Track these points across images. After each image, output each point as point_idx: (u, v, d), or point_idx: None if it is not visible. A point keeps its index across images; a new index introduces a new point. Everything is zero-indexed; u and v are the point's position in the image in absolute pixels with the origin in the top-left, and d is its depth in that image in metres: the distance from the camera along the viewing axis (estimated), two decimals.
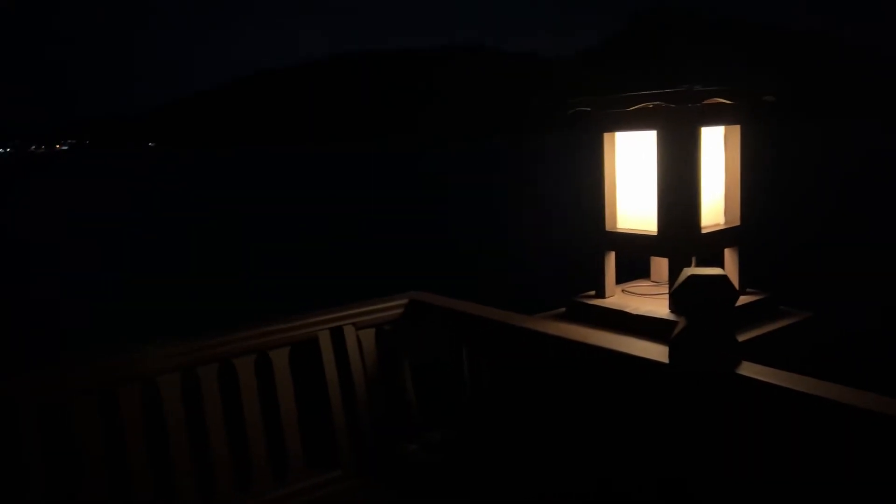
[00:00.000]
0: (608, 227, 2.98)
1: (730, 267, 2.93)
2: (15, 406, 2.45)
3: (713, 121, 2.78)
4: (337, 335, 3.08)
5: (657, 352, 2.29)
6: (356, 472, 3.00)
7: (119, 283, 17.00)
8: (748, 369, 2.07)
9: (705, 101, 2.68)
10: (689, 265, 2.69)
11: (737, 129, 2.88)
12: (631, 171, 2.96)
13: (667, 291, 2.97)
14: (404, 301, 3.24)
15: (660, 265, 3.20)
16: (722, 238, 2.88)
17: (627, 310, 2.85)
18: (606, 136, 2.95)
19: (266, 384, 2.92)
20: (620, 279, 3.14)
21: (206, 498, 2.72)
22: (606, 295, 3.03)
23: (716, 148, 2.89)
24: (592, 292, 3.06)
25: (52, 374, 2.58)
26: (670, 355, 2.20)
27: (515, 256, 17.33)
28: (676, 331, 2.19)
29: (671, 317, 2.71)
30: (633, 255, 2.98)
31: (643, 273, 3.29)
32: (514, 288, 12.39)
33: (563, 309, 3.08)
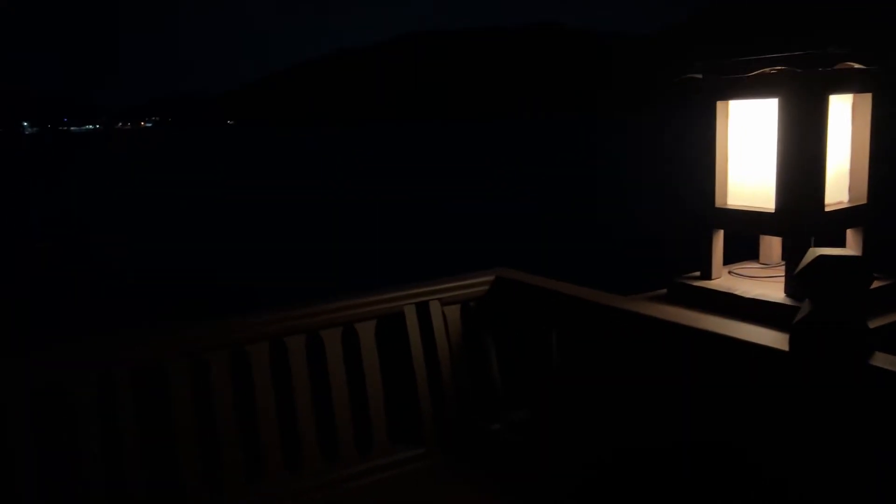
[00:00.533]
0: (718, 204, 2.77)
1: (852, 249, 2.69)
2: (109, 366, 2.48)
3: (843, 88, 2.53)
4: (422, 310, 3.03)
5: (774, 338, 2.10)
6: (439, 450, 2.94)
7: (222, 254, 17.67)
8: (882, 360, 1.87)
9: (836, 66, 2.44)
10: (807, 246, 2.47)
11: (867, 97, 2.62)
12: (745, 143, 2.73)
13: (779, 274, 2.76)
14: (491, 278, 3.14)
15: (770, 246, 2.97)
16: (846, 217, 2.64)
17: (737, 292, 2.64)
18: (719, 104, 2.73)
19: (351, 357, 2.89)
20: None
21: (293, 467, 2.72)
22: (713, 276, 2.82)
23: (842, 118, 2.64)
24: (696, 273, 2.86)
25: (142, 337, 2.60)
26: (792, 342, 2.01)
27: (609, 234, 16.87)
28: (800, 316, 1.99)
29: (788, 301, 2.50)
30: (744, 233, 2.77)
31: (740, 255, 3.08)
32: (608, 267, 12.13)
33: (664, 290, 2.89)
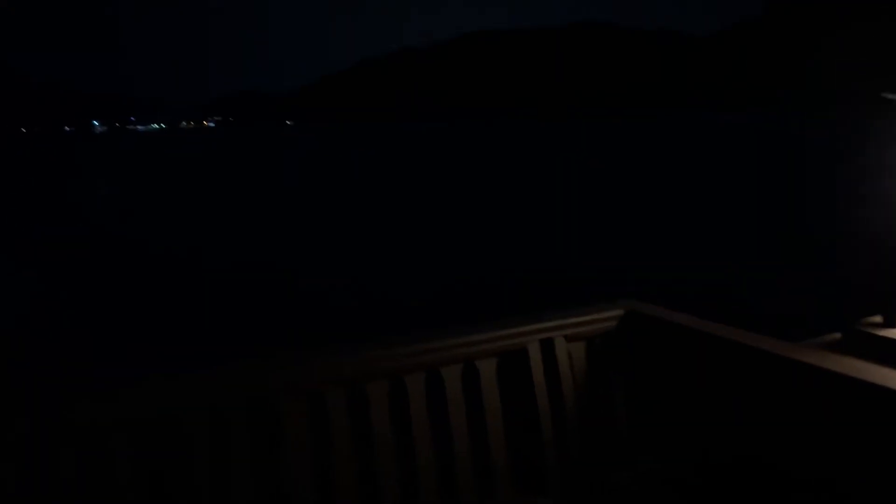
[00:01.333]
0: None
1: None
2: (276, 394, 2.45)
3: None
4: (547, 347, 2.80)
5: None
6: (563, 501, 2.72)
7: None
8: None
9: None
10: None
11: None
12: None
13: None
14: (619, 312, 2.90)
15: None
16: None
17: None
18: None
19: (471, 395, 2.71)
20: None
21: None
22: None
23: None
24: (878, 318, 2.47)
25: (298, 366, 2.54)
26: None
27: (765, 264, 13.56)
28: None
29: None
30: None
31: None
32: (760, 303, 10.01)
33: (838, 335, 2.51)
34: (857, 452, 2.04)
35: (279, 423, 2.43)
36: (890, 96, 2.09)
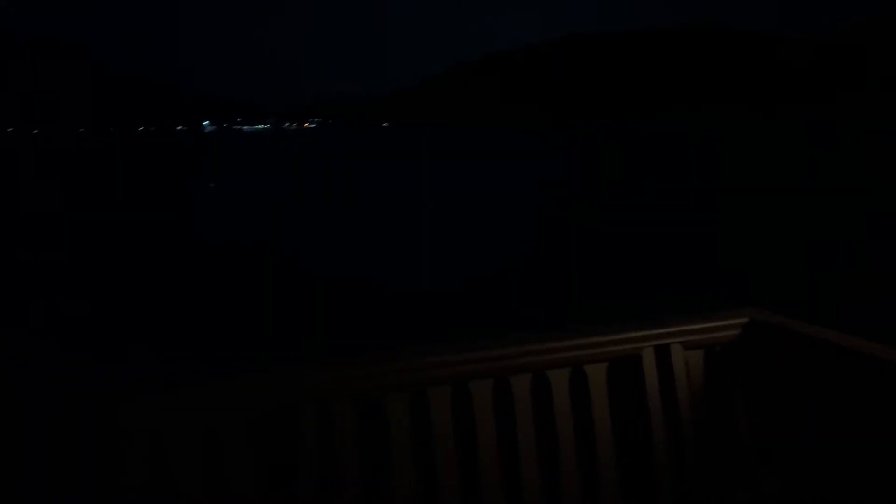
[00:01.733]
0: None
1: None
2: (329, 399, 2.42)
3: None
4: (662, 354, 2.65)
5: None
6: None
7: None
8: None
9: None
10: None
11: None
12: None
13: None
14: (743, 320, 2.70)
15: None
16: None
17: None
18: None
19: (579, 401, 2.60)
20: None
21: None
22: None
23: None
24: None
25: (361, 369, 2.49)
26: None
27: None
28: None
29: None
30: None
31: None
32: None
33: None
34: None
35: (385, 418, 2.43)
36: None
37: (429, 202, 30.50)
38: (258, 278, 16.06)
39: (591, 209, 25.60)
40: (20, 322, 12.77)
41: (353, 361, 2.48)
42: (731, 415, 2.68)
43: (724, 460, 2.65)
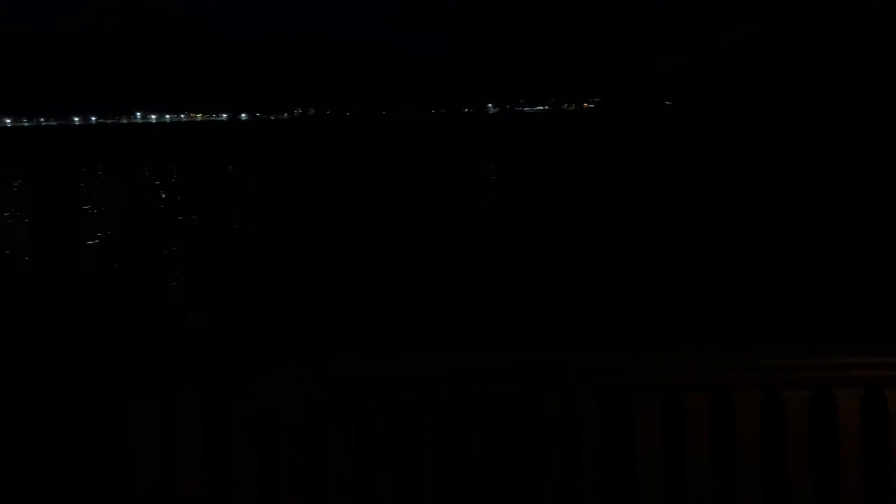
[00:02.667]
0: None
1: None
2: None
3: None
4: None
5: None
6: None
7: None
8: None
9: None
10: None
11: None
12: None
13: None
14: None
15: None
16: None
17: None
18: None
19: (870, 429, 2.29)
20: None
21: None
22: None
23: None
24: None
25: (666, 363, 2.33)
26: None
27: None
28: None
29: None
30: None
31: None
32: None
33: None
34: None
35: (631, 415, 2.30)
36: None
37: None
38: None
39: None
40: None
41: (602, 354, 2.38)
42: None
43: None
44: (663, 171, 38.56)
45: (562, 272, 14.67)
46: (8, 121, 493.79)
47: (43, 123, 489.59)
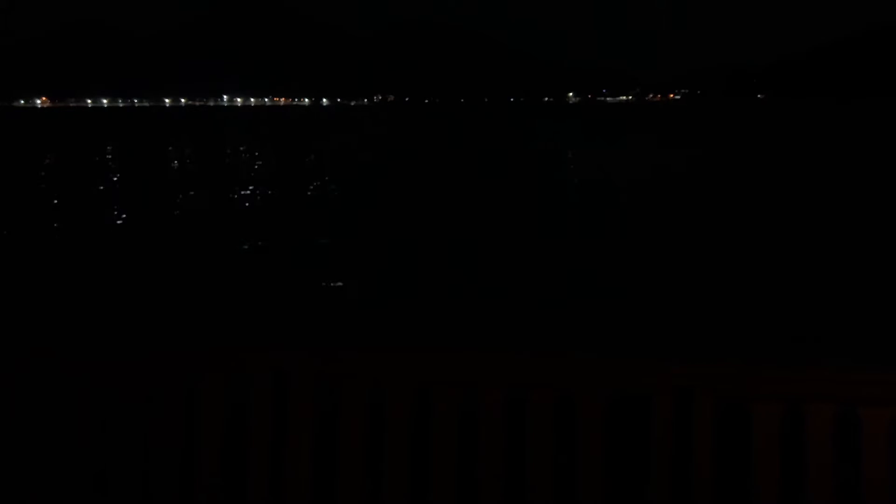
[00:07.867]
0: None
1: None
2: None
3: None
4: None
5: None
6: None
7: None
8: None
9: None
10: None
11: None
12: None
13: None
14: None
15: None
16: None
17: None
18: None
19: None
20: None
21: None
22: None
23: None
24: None
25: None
26: None
27: None
28: None
29: None
30: None
31: None
32: None
33: None
34: None
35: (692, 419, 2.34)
36: None
37: None
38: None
39: None
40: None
41: (721, 361, 2.40)
42: None
43: None
44: (741, 163, 36.58)
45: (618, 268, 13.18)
46: (104, 101, 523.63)
47: (136, 105, 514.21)
